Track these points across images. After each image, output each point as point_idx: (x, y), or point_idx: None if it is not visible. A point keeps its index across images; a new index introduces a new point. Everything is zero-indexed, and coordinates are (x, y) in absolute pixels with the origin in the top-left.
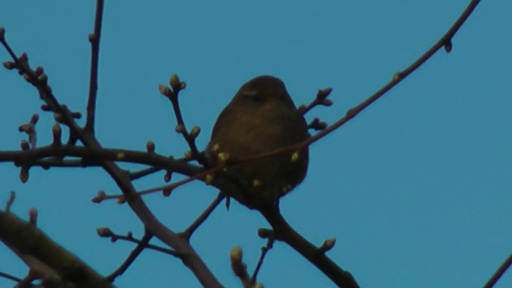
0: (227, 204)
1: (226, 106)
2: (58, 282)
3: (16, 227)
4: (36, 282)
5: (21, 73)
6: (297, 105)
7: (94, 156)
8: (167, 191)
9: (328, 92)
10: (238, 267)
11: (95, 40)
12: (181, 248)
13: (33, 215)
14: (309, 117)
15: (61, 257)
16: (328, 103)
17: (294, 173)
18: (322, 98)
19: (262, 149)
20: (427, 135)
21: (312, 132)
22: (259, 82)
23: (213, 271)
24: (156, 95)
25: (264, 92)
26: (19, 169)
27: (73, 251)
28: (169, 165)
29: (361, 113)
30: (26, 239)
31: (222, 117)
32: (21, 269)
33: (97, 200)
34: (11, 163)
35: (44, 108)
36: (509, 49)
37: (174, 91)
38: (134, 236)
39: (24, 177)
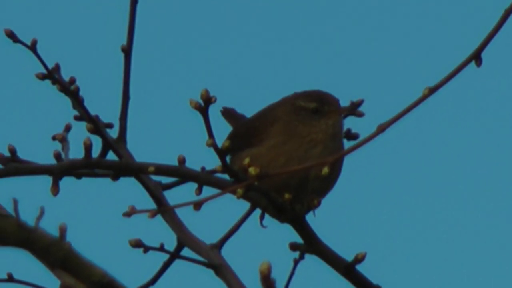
0: (261, 218)
1: (268, 112)
2: None
3: (45, 242)
4: None
5: (53, 83)
6: None
7: (125, 170)
8: (197, 205)
9: (360, 103)
10: (267, 282)
11: (127, 51)
12: (213, 259)
13: (63, 230)
14: None
15: (90, 272)
16: (360, 115)
17: (328, 186)
18: (354, 109)
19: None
20: (458, 149)
21: (344, 142)
22: (316, 95)
23: (245, 282)
24: (188, 105)
25: (325, 106)
26: (50, 180)
27: (105, 263)
28: (200, 179)
29: (392, 127)
30: (55, 254)
31: (266, 124)
32: (53, 283)
33: (128, 214)
34: (43, 176)
35: (76, 118)
36: None
37: (204, 105)
38: (166, 247)
39: (55, 190)
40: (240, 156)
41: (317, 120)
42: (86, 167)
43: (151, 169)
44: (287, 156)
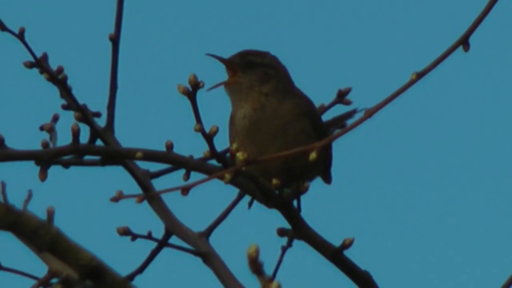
0: (250, 204)
1: None
2: (75, 281)
3: (33, 225)
4: (54, 280)
5: (41, 72)
6: (317, 104)
7: (113, 155)
8: (185, 190)
9: (347, 91)
10: (255, 265)
11: (115, 40)
12: (200, 247)
13: (50, 214)
14: (329, 116)
15: (78, 255)
16: (348, 102)
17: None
18: (341, 97)
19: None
20: (445, 134)
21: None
22: None
23: (233, 270)
24: (176, 94)
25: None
26: (38, 168)
27: (91, 250)
28: (187, 165)
29: (379, 112)
30: (43, 237)
31: None
32: (40, 268)
33: (115, 199)
34: (31, 162)
35: (64, 107)
36: None
37: (192, 90)
38: (154, 235)
39: (43, 176)
40: None
41: None
42: (74, 153)
43: (139, 154)
44: (233, 138)
